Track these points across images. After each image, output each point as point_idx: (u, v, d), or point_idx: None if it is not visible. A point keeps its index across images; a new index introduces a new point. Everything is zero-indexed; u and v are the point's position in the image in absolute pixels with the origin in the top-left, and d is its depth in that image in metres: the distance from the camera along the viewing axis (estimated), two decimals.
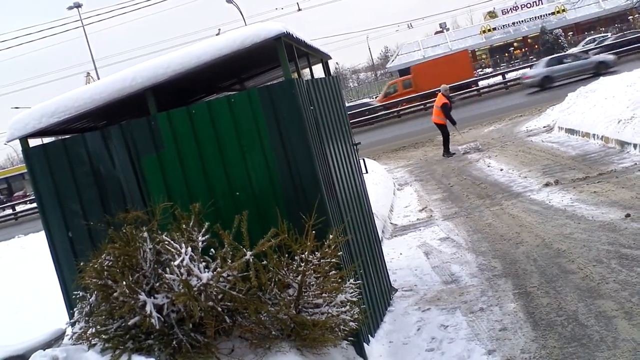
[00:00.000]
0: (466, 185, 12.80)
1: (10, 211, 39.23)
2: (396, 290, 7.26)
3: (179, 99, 7.14)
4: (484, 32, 58.69)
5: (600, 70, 28.58)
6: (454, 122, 17.55)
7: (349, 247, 5.61)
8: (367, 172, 7.76)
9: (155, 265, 4.36)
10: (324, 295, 4.63)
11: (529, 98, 27.86)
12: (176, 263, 4.14)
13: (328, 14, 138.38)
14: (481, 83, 38.36)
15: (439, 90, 18.38)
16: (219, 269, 4.26)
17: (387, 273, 7.33)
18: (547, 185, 10.69)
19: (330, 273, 4.66)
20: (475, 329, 5.71)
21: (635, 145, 11.35)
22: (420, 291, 7.10)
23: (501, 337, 5.40)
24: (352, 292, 4.79)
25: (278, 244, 4.49)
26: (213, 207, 4.86)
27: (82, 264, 4.57)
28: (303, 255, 4.55)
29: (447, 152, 17.60)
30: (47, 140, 5.69)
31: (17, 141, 5.29)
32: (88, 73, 53.73)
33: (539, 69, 31.15)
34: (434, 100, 18.91)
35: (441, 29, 65.50)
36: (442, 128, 17.72)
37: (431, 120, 18.41)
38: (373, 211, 7.72)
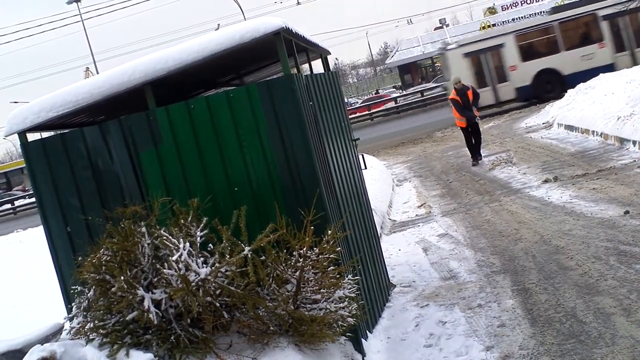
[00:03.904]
0: (465, 181, 12.80)
1: (9, 206, 39.18)
2: (394, 286, 7.26)
3: (178, 94, 7.13)
4: (484, 28, 58.54)
5: None
6: (469, 119, 14.28)
7: (347, 243, 5.61)
8: (366, 167, 7.75)
9: (154, 260, 4.35)
10: (322, 291, 4.63)
11: None
12: (174, 258, 4.14)
13: (328, 9, 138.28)
14: None
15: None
16: (217, 264, 4.26)
17: (386, 269, 7.33)
18: (546, 181, 10.68)
19: (329, 269, 4.66)
20: (473, 325, 5.71)
21: (634, 142, 11.35)
22: (418, 287, 7.10)
23: (499, 334, 5.40)
24: (350, 288, 4.78)
25: (276, 240, 4.49)
26: (211, 202, 4.86)
27: (80, 258, 4.57)
28: (301, 251, 4.55)
29: (474, 157, 14.51)
30: (45, 134, 5.68)
31: (16, 135, 5.28)
32: (87, 68, 53.57)
33: None
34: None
35: (441, 25, 65.34)
36: (464, 131, 14.70)
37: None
38: (372, 207, 7.72)
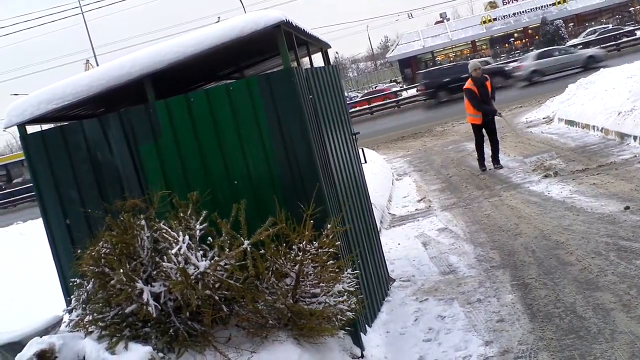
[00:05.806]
0: (465, 175, 12.78)
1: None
2: (394, 280, 7.26)
3: (178, 87, 7.11)
4: (485, 22, 58.45)
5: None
6: (487, 114, 12.14)
7: (347, 237, 5.60)
8: (366, 161, 7.76)
9: (153, 254, 4.34)
10: (321, 284, 4.62)
11: (526, 90, 27.79)
12: (173, 251, 4.13)
13: (328, 2, 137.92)
14: None
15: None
16: (216, 258, 4.25)
17: (385, 263, 7.33)
18: (546, 176, 10.67)
19: (328, 263, 4.65)
20: (472, 320, 5.71)
21: (635, 137, 11.32)
22: (418, 281, 7.10)
23: (499, 329, 5.40)
24: (349, 282, 4.78)
25: (276, 233, 4.47)
26: (211, 195, 4.85)
27: (79, 251, 4.56)
28: (301, 245, 4.54)
29: (482, 164, 12.56)
30: (45, 126, 5.67)
31: (16, 128, 5.27)
32: (87, 60, 53.48)
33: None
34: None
35: (441, 19, 65.29)
36: (476, 130, 12.40)
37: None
38: (371, 201, 7.71)
